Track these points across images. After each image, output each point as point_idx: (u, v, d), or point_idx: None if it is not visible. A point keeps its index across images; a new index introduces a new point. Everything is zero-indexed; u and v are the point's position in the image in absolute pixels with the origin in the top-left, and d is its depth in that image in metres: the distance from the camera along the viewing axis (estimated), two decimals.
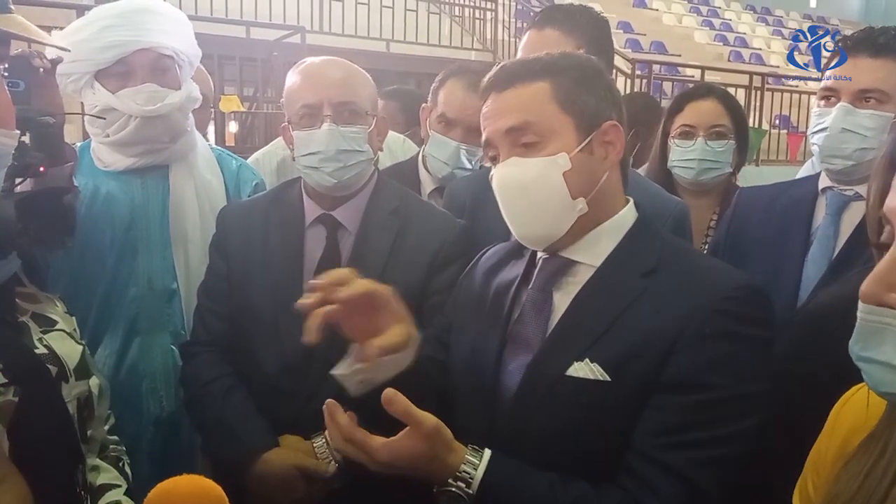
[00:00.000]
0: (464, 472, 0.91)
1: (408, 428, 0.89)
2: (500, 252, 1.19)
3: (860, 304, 0.67)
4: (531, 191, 1.00)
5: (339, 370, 1.02)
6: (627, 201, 1.07)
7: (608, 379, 0.94)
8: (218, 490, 0.83)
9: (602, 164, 1.02)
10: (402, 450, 0.90)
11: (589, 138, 1.00)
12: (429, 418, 0.90)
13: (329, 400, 0.95)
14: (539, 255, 1.08)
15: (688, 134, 1.96)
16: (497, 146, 1.03)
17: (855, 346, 0.67)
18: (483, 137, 1.06)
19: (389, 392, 0.89)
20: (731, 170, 1.98)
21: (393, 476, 0.94)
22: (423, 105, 2.00)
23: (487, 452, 0.93)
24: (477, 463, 0.92)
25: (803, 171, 2.42)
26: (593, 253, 1.02)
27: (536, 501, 0.91)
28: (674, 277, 0.98)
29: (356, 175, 1.43)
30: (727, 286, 0.96)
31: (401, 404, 0.89)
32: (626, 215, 1.05)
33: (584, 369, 0.95)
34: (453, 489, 0.90)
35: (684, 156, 1.95)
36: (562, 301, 1.03)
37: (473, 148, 1.90)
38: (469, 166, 1.91)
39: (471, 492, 0.90)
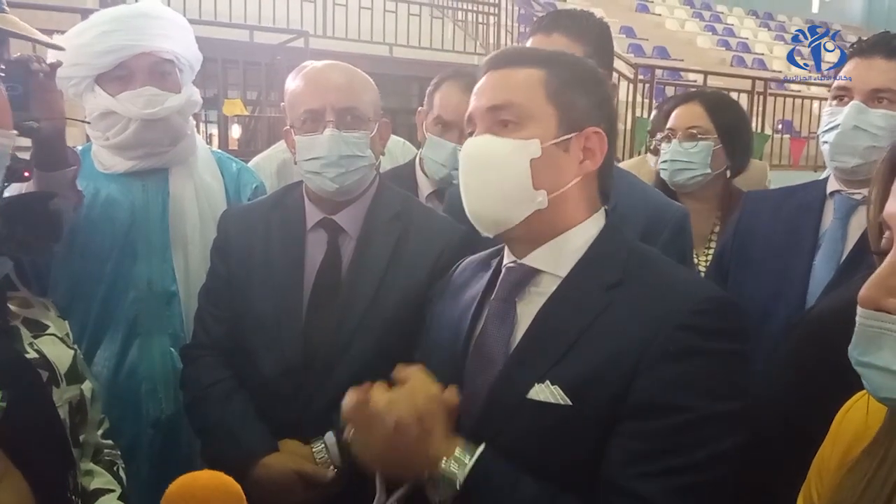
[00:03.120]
0: (457, 455, 0.90)
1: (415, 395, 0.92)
2: (469, 268, 1.17)
3: (859, 310, 0.66)
4: (493, 168, 0.97)
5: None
6: (598, 210, 1.03)
7: (569, 403, 0.89)
8: (236, 486, 0.86)
9: (575, 167, 0.97)
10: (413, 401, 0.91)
11: (568, 136, 0.97)
12: (436, 386, 0.94)
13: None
14: (503, 264, 1.05)
15: (669, 137, 2.00)
16: (476, 122, 1.01)
17: (854, 351, 0.67)
18: (467, 113, 1.03)
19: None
20: (711, 171, 1.94)
21: (383, 468, 0.94)
22: (419, 109, 2.00)
23: (482, 445, 0.92)
24: (471, 452, 0.91)
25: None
26: (557, 262, 0.99)
27: (522, 498, 0.89)
28: (639, 291, 0.93)
29: (358, 180, 1.42)
30: (693, 300, 0.91)
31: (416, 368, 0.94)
32: (594, 223, 1.00)
33: (544, 392, 0.91)
34: (445, 471, 0.89)
35: (662, 157, 1.99)
36: (525, 313, 0.99)
37: None
38: None
39: (462, 474, 0.89)
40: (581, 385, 0.90)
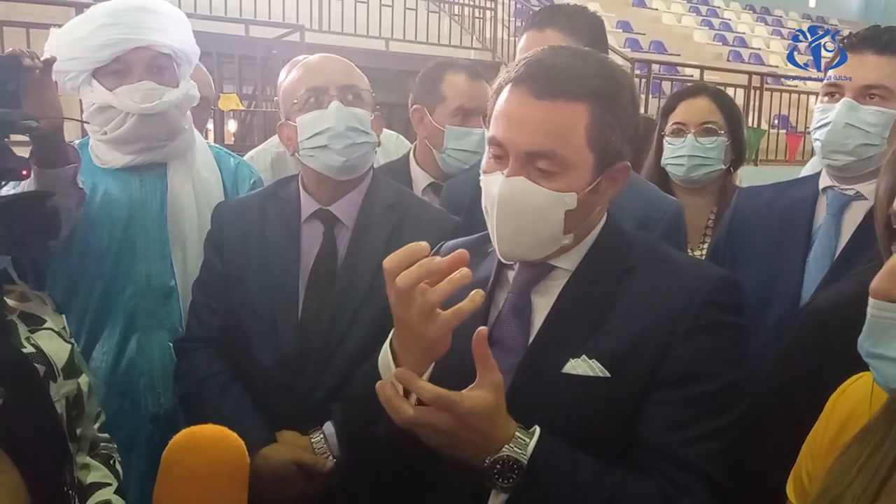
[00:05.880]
0: (518, 437, 0.90)
1: (476, 382, 0.89)
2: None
3: (871, 301, 0.67)
4: (528, 218, 0.96)
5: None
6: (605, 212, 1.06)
7: (608, 375, 0.94)
8: (240, 441, 0.90)
9: (600, 198, 1.00)
10: (479, 399, 0.88)
11: (600, 178, 0.98)
12: (498, 371, 0.90)
13: (399, 369, 0.90)
14: None
15: (679, 131, 1.97)
16: (510, 155, 0.96)
17: (865, 342, 0.67)
18: (493, 134, 0.98)
19: (484, 331, 0.88)
20: (724, 167, 1.97)
21: (445, 450, 0.91)
22: (416, 106, 1.98)
23: (537, 427, 0.92)
24: (530, 433, 0.91)
25: (807, 171, 2.43)
26: (571, 259, 1.02)
27: (584, 479, 0.90)
28: (654, 272, 0.99)
29: (362, 157, 1.42)
30: (711, 278, 0.99)
31: (486, 348, 0.89)
32: (601, 222, 1.04)
33: (582, 366, 0.95)
34: (510, 453, 0.89)
35: (675, 153, 1.96)
36: (541, 303, 1.02)
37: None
38: None
39: (526, 456, 0.89)
40: (617, 358, 0.95)
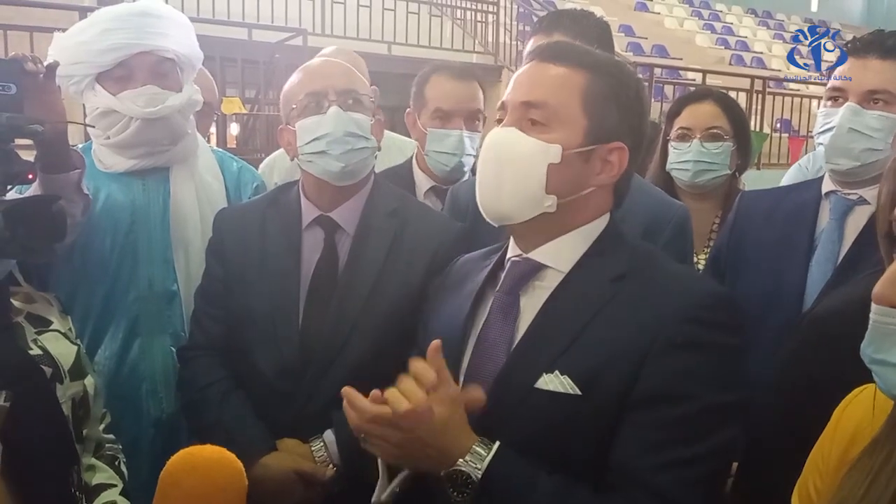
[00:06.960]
0: (475, 451, 0.90)
1: (431, 394, 0.90)
2: (468, 264, 1.18)
3: (873, 306, 0.66)
4: (510, 164, 0.98)
5: (379, 496, 1.00)
6: (606, 213, 1.04)
7: (578, 392, 0.91)
8: (238, 463, 0.89)
9: (592, 177, 0.99)
10: (427, 413, 0.88)
11: (591, 147, 0.98)
12: (454, 384, 0.91)
13: (345, 388, 0.94)
14: (507, 257, 1.06)
15: (684, 136, 1.96)
16: (507, 112, 1.01)
17: (867, 348, 0.67)
18: (502, 99, 1.04)
19: (437, 343, 0.90)
20: (730, 172, 1.97)
21: (401, 462, 0.93)
22: (408, 110, 1.98)
23: (497, 442, 0.91)
24: (488, 448, 0.90)
25: (790, 174, 2.43)
26: (562, 258, 1.01)
27: (540, 499, 0.89)
28: (643, 285, 0.96)
29: (361, 162, 1.41)
30: (696, 295, 0.95)
31: (441, 360, 0.90)
32: (599, 223, 1.03)
33: (553, 382, 0.92)
34: (463, 468, 0.89)
35: (680, 157, 1.95)
36: (529, 306, 1.01)
37: (474, 134, 1.90)
38: (473, 152, 1.90)
39: (479, 471, 0.88)
40: (590, 375, 0.92)
